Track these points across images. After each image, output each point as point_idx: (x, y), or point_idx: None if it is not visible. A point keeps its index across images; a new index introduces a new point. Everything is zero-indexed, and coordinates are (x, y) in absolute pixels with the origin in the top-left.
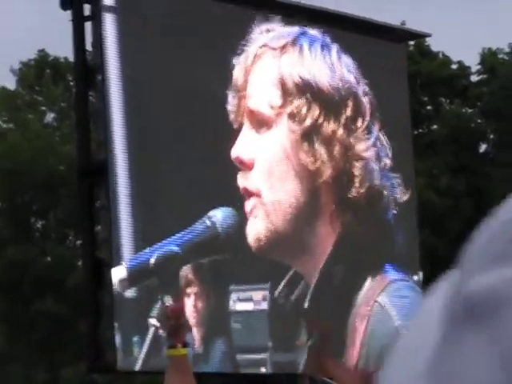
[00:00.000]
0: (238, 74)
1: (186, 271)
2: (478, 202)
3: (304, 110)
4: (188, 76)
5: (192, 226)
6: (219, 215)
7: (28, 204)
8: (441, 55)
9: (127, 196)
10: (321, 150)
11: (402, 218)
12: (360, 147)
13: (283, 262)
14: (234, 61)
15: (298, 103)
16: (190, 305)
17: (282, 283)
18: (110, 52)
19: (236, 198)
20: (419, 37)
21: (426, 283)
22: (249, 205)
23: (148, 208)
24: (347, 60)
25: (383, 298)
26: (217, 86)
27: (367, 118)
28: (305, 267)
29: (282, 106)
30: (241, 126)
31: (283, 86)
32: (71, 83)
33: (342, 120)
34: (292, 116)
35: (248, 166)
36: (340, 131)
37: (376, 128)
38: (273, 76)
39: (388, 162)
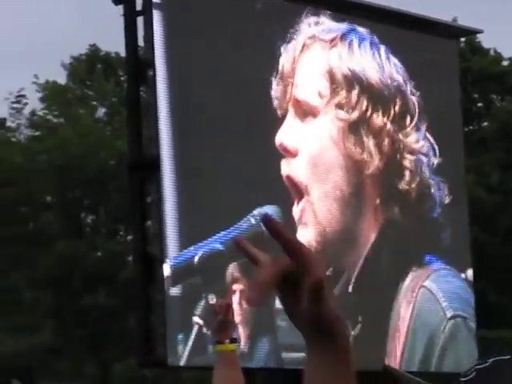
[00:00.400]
0: (285, 62)
1: (232, 269)
2: None
3: (353, 102)
4: (235, 68)
5: (237, 223)
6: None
7: (79, 199)
8: (492, 52)
9: (174, 192)
10: (369, 141)
11: (449, 217)
12: (411, 139)
13: (332, 259)
14: (282, 48)
15: (346, 94)
16: (235, 302)
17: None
18: (160, 47)
19: (282, 197)
20: (471, 33)
21: (476, 280)
22: (297, 211)
23: (194, 205)
24: (395, 61)
25: (429, 283)
26: (263, 75)
27: (416, 117)
28: (348, 258)
29: (330, 97)
30: (285, 113)
31: (332, 76)
32: (122, 78)
33: (391, 115)
34: (340, 106)
35: (292, 154)
36: (388, 125)
37: (423, 128)
38: (321, 67)
39: (435, 161)
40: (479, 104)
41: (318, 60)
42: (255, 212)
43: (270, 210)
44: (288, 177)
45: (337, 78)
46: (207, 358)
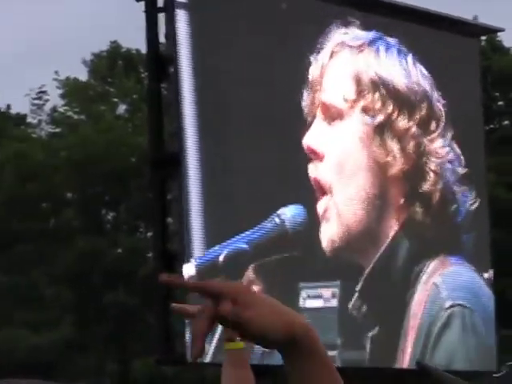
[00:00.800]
0: (314, 71)
1: (249, 270)
2: None
3: (378, 105)
4: (261, 70)
5: (261, 223)
6: (288, 213)
7: (99, 195)
8: None
9: (198, 190)
10: (393, 144)
11: (471, 223)
12: (436, 145)
13: (354, 259)
14: (312, 58)
15: (372, 98)
16: None
17: (352, 281)
18: (183, 44)
19: (307, 197)
20: (492, 32)
21: (497, 279)
22: (321, 206)
23: (219, 203)
24: (422, 69)
25: (438, 278)
26: (291, 80)
27: (441, 124)
28: (367, 257)
29: (356, 100)
30: (314, 118)
31: (358, 80)
32: (143, 75)
33: (416, 119)
34: (366, 110)
35: (319, 157)
36: (413, 129)
37: (449, 136)
38: (349, 71)
39: (460, 171)
40: (500, 103)
41: (346, 64)
42: (280, 211)
43: (294, 209)
44: (315, 179)
45: (363, 82)
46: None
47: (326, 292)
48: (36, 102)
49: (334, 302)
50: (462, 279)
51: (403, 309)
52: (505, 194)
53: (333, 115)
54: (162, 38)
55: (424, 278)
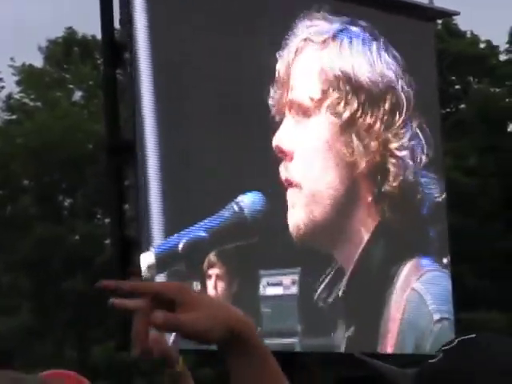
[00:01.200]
0: (280, 67)
1: (210, 256)
2: (506, 182)
3: (342, 103)
4: (224, 61)
5: (220, 211)
6: (247, 200)
7: (56, 182)
8: (469, 34)
9: (157, 177)
10: (357, 142)
11: (437, 215)
12: (396, 145)
13: (322, 249)
14: (277, 55)
15: (337, 96)
16: (211, 287)
17: (314, 269)
18: (139, 30)
19: (266, 184)
20: (448, 15)
21: (454, 263)
22: (289, 196)
23: (177, 191)
24: (386, 57)
25: (418, 285)
26: (255, 73)
27: (404, 114)
28: (341, 255)
29: (322, 99)
30: (282, 117)
31: (323, 78)
32: (99, 61)
33: (380, 114)
34: (331, 108)
35: (288, 156)
36: (377, 125)
37: (414, 125)
38: (314, 69)
39: (424, 158)
40: (456, 86)
41: (311, 62)
42: (238, 199)
43: (253, 196)
44: (287, 180)
45: (328, 80)
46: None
47: (286, 279)
48: None
49: (294, 290)
50: (441, 287)
51: (379, 314)
52: (462, 177)
53: (301, 114)
54: (117, 24)
55: (400, 279)
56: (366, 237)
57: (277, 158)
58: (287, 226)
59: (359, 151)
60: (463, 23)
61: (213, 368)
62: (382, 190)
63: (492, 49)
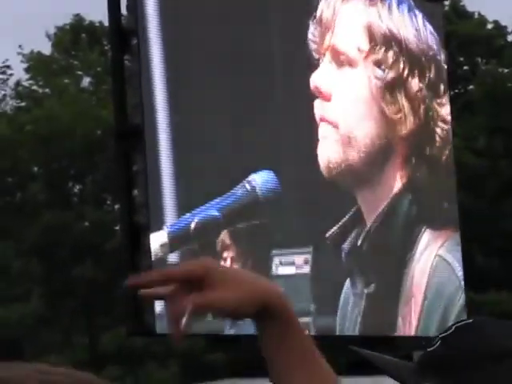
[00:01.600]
0: (324, 8)
1: (223, 235)
2: None
3: (390, 61)
4: (236, 38)
5: (232, 190)
6: (258, 179)
7: (65, 168)
8: (476, 15)
9: (168, 160)
10: (404, 103)
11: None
12: (444, 111)
13: (347, 189)
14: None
15: (384, 53)
16: None
17: (335, 214)
18: (147, 15)
19: (279, 163)
20: None
21: (464, 244)
22: (321, 129)
23: (189, 171)
24: (431, 29)
25: (444, 252)
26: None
27: (447, 86)
28: (366, 204)
29: (369, 52)
30: (320, 57)
31: (371, 33)
32: (106, 47)
33: (426, 81)
34: (377, 64)
35: (326, 97)
36: (424, 91)
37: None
38: (361, 21)
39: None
40: (465, 67)
41: (358, 14)
42: (250, 178)
43: (265, 175)
44: (322, 118)
45: (376, 36)
46: (202, 325)
47: (299, 259)
48: (0, 76)
49: (307, 269)
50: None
51: (400, 275)
52: (471, 159)
53: (343, 61)
54: (124, 10)
55: (422, 244)
56: (393, 192)
57: (293, 138)
58: (300, 203)
59: (406, 112)
60: (470, 4)
61: (225, 352)
62: (426, 153)
63: (500, 29)
